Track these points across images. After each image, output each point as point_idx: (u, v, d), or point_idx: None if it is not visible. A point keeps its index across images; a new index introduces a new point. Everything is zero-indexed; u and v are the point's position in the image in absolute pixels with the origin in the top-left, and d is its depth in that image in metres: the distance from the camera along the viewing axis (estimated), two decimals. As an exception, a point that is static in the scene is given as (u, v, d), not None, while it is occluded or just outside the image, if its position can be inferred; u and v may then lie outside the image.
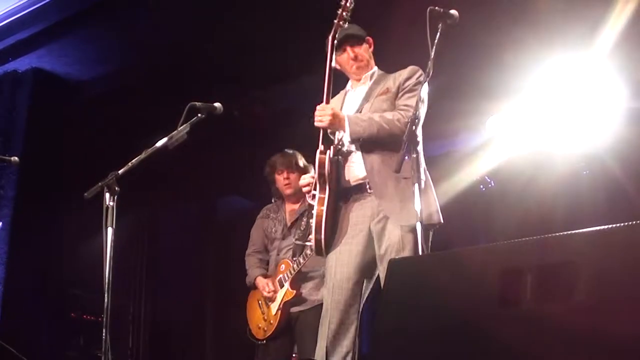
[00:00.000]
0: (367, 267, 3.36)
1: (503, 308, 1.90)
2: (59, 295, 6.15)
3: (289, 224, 4.64)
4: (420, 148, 3.15)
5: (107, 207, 3.00)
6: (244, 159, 6.74)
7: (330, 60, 3.42)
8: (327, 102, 3.37)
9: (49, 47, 5.81)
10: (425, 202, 3.10)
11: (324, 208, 3.33)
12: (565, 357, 1.74)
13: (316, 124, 3.35)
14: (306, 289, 4.44)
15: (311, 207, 3.47)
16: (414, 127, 2.98)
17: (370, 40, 3.66)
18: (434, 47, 3.01)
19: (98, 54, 5.93)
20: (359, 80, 3.64)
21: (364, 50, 3.59)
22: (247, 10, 5.25)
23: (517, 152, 6.25)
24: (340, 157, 3.41)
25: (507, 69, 5.41)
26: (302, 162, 4.65)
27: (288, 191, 4.63)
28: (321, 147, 3.36)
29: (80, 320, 6.62)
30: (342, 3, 3.43)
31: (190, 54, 5.81)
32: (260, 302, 4.58)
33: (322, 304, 4.33)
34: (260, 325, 4.51)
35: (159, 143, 3.18)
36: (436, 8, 3.08)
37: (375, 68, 3.67)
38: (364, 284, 3.40)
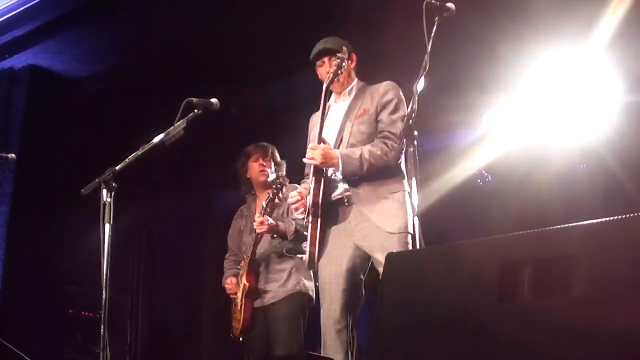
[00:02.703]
0: (356, 270, 3.45)
1: (501, 302, 1.90)
2: (57, 292, 6.16)
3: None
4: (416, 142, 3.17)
5: (105, 203, 3.00)
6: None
7: (324, 105, 3.45)
8: (319, 142, 3.39)
9: (46, 44, 5.80)
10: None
11: (317, 228, 3.40)
12: (563, 350, 1.74)
13: (308, 161, 3.39)
14: (274, 283, 4.44)
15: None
16: (410, 122, 2.98)
17: (354, 56, 3.65)
18: (431, 40, 3.01)
19: (95, 51, 5.92)
20: (338, 94, 3.65)
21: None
22: (244, 8, 5.24)
23: (514, 146, 6.24)
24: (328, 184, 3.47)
25: (504, 62, 5.40)
26: (277, 154, 4.62)
27: (262, 178, 4.50)
28: (312, 180, 3.41)
29: (78, 316, 6.61)
30: (342, 64, 3.44)
31: (188, 50, 5.80)
32: (233, 302, 4.62)
33: (291, 295, 4.39)
34: (235, 324, 4.56)
35: (156, 139, 3.17)
36: (432, 1, 3.07)
37: (355, 82, 3.66)
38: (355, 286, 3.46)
